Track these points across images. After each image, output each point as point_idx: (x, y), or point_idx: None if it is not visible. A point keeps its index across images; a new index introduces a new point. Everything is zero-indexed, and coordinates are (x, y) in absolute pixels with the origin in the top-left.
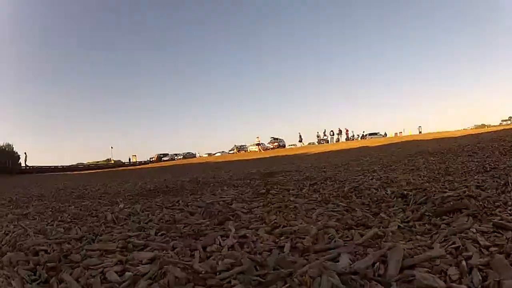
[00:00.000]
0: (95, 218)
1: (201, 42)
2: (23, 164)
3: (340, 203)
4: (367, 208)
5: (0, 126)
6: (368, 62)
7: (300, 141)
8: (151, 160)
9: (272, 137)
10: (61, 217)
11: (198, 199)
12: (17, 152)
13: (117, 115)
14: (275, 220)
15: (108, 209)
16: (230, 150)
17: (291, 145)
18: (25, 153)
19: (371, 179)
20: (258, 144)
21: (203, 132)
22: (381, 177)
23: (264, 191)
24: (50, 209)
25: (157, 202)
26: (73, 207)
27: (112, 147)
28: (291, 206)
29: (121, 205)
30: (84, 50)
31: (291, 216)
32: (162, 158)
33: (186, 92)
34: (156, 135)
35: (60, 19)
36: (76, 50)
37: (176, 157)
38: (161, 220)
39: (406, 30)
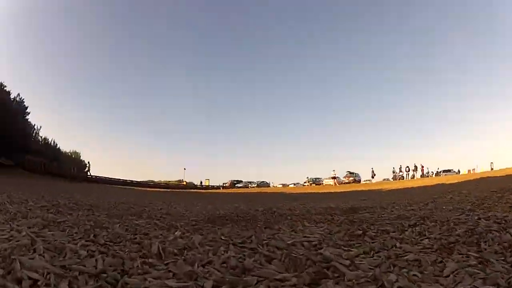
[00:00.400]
0: (137, 245)
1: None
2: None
3: (469, 253)
4: (502, 258)
5: (74, 135)
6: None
7: (373, 176)
8: (224, 185)
9: (348, 171)
10: (94, 235)
11: (275, 236)
12: (84, 161)
13: (193, 137)
14: (398, 284)
15: (161, 234)
16: (304, 182)
17: (366, 180)
18: (88, 162)
19: (479, 219)
20: (333, 178)
21: (278, 162)
22: (489, 217)
23: (360, 232)
24: (91, 223)
25: (224, 234)
26: (119, 225)
27: (185, 169)
28: (404, 257)
29: (178, 233)
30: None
31: (414, 275)
32: (236, 185)
33: (267, 124)
34: (231, 161)
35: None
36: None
37: (250, 185)
38: (224, 265)
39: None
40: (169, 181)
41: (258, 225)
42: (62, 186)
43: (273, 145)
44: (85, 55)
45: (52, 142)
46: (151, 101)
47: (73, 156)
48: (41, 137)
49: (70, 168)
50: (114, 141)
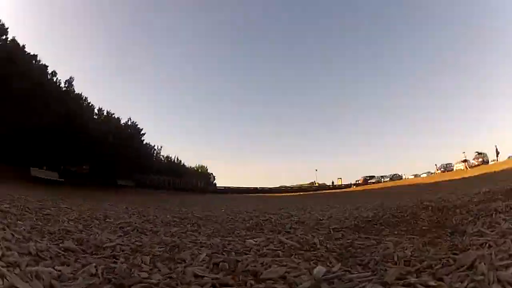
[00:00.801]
0: None
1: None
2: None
3: None
4: None
5: (197, 149)
6: None
7: (497, 155)
8: (357, 182)
9: (476, 152)
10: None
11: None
12: (211, 174)
13: (324, 138)
14: None
15: (298, 265)
16: (437, 170)
17: (492, 160)
18: (212, 174)
19: None
20: (464, 161)
21: (407, 153)
22: None
23: None
24: (182, 243)
25: (396, 251)
26: (221, 245)
27: (316, 170)
28: None
29: (335, 267)
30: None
31: None
32: (369, 181)
33: (396, 114)
34: (362, 158)
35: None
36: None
37: (382, 179)
38: None
39: None
40: (302, 185)
41: (425, 228)
42: (188, 199)
43: (401, 137)
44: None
45: (176, 159)
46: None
47: (199, 170)
48: (163, 156)
49: (196, 182)
50: (241, 152)
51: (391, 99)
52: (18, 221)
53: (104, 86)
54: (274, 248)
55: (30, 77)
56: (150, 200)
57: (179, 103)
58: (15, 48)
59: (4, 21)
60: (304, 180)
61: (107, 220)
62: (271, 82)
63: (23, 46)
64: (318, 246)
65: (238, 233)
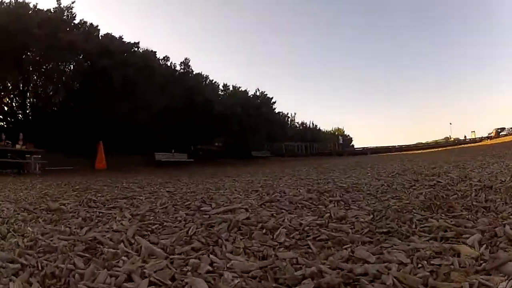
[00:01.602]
0: None
1: None
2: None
3: None
4: None
5: (335, 112)
6: None
7: None
8: (490, 136)
9: None
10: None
11: None
12: (348, 136)
13: (458, 89)
14: None
15: None
16: None
17: None
18: (348, 135)
19: None
20: None
21: None
22: None
23: None
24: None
25: None
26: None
27: (451, 123)
28: None
29: None
30: None
31: None
32: (500, 133)
33: None
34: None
35: None
36: None
37: None
38: None
39: None
40: (437, 140)
41: None
42: (326, 163)
43: None
44: None
45: (311, 124)
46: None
47: (336, 133)
48: (297, 123)
49: (332, 145)
50: (376, 111)
51: None
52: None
53: (226, 62)
54: None
55: (136, 63)
56: (287, 167)
57: (312, 67)
58: (148, 53)
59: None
60: (437, 136)
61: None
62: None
63: (155, 52)
64: None
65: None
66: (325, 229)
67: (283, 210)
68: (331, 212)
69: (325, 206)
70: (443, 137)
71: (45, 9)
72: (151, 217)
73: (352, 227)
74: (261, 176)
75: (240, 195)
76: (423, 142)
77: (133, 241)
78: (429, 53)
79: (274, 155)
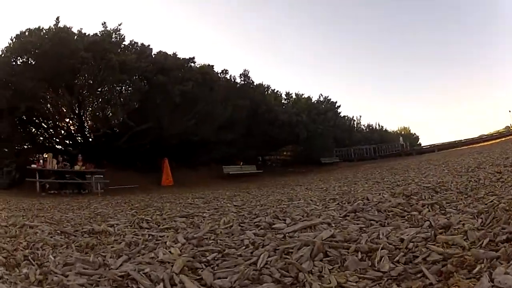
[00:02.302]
0: None
1: None
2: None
3: None
4: None
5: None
6: None
7: None
8: None
9: None
10: None
11: None
12: (414, 134)
13: None
14: None
15: None
16: None
17: None
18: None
19: None
20: None
21: None
22: None
23: None
24: None
25: None
26: None
27: (510, 111)
28: None
29: None
30: None
31: None
32: None
33: None
34: None
35: None
36: None
37: None
38: None
39: None
40: (499, 130)
41: None
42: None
43: None
44: None
45: (377, 125)
46: None
47: (402, 132)
48: (364, 125)
49: (399, 145)
50: (438, 106)
51: None
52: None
53: (286, 69)
54: None
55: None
56: (359, 172)
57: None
58: (205, 67)
59: None
60: (498, 125)
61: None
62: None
63: (212, 66)
64: None
65: None
66: (434, 245)
67: (373, 222)
68: (430, 219)
69: (419, 212)
70: (503, 127)
71: (91, 34)
72: (211, 241)
73: (465, 237)
74: (334, 183)
75: (317, 205)
76: (486, 134)
77: (177, 281)
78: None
79: (343, 160)
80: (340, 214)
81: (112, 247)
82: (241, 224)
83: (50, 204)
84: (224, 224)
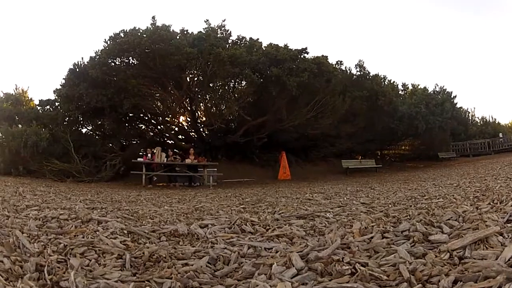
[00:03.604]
0: None
1: None
2: None
3: None
4: None
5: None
6: None
7: None
8: None
9: None
10: None
11: None
12: None
13: None
14: None
15: None
16: None
17: None
18: None
19: None
20: None
21: None
22: None
23: None
24: None
25: None
26: None
27: None
28: None
29: None
30: None
31: None
32: None
33: None
34: None
35: None
36: None
37: None
38: None
39: None
40: None
41: None
42: None
43: None
44: None
45: (490, 118)
46: None
47: None
48: (478, 118)
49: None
50: None
51: None
52: None
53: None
54: None
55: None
56: (480, 167)
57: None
58: (319, 59)
59: None
60: None
61: None
62: None
63: (326, 57)
64: None
65: None
66: None
67: None
68: None
69: None
70: None
71: (195, 32)
72: (345, 265)
73: None
74: (459, 178)
75: (467, 205)
76: None
77: None
78: None
79: (459, 155)
80: (503, 219)
81: (184, 263)
82: (384, 234)
83: (149, 196)
84: (359, 232)
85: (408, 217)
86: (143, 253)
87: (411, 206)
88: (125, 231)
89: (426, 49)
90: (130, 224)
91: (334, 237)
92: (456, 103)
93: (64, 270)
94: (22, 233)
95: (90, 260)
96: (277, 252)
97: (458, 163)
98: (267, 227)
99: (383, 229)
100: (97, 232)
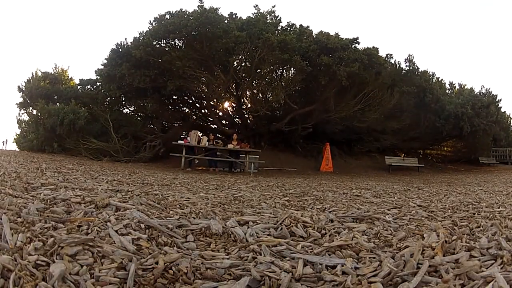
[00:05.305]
0: None
1: None
2: None
3: None
4: None
5: None
6: None
7: None
8: None
9: None
10: None
11: None
12: None
13: None
14: None
15: None
16: None
17: None
18: None
19: None
20: None
21: None
22: None
23: None
24: None
25: None
26: None
27: None
28: None
29: None
30: None
31: None
32: None
33: None
34: None
35: None
36: None
37: None
38: None
39: None
40: None
41: None
42: None
43: None
44: None
45: None
46: None
47: None
48: None
49: None
50: None
51: None
52: None
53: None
54: None
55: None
56: None
57: None
58: (369, 50)
59: None
60: None
61: None
62: None
63: (377, 48)
64: None
65: None
66: None
67: None
68: None
69: None
70: None
71: (244, 17)
72: None
73: None
74: (507, 186)
75: None
76: None
77: None
78: None
79: (499, 162)
80: None
81: None
82: (472, 253)
83: (185, 180)
84: (441, 248)
85: (481, 228)
86: (157, 262)
87: (474, 214)
88: (143, 225)
89: (473, 49)
90: (153, 215)
91: (416, 255)
92: (501, 107)
93: (35, 284)
94: (16, 218)
95: (82, 267)
96: (343, 273)
97: (498, 169)
98: (322, 231)
99: (467, 244)
100: (108, 224)
